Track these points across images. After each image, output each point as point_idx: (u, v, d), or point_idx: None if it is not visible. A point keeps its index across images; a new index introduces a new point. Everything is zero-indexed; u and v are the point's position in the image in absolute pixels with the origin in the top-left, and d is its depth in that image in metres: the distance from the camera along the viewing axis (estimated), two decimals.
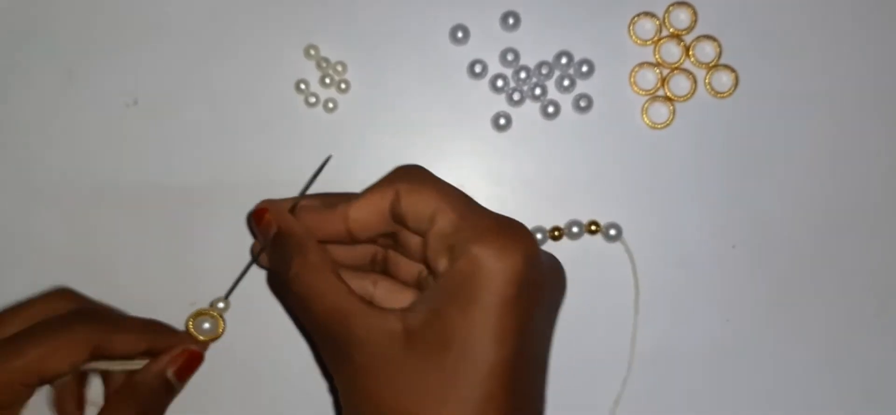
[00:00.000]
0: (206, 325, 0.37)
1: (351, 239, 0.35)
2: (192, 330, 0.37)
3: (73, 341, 0.34)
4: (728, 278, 0.44)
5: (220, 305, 0.38)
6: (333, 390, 0.42)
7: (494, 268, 0.29)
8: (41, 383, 0.34)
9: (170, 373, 0.36)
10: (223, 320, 0.38)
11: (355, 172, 0.43)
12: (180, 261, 0.43)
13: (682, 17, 0.44)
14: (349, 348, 0.31)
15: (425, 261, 0.33)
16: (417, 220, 0.33)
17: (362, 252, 0.38)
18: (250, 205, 0.43)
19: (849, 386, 0.44)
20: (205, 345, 0.38)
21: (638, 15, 0.43)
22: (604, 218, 0.43)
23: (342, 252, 0.37)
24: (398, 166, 0.34)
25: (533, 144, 0.44)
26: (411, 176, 0.33)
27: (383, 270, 0.38)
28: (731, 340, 0.44)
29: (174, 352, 0.37)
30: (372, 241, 0.36)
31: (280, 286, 0.35)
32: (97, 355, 0.35)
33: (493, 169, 0.43)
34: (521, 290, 0.30)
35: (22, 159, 0.44)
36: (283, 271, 0.33)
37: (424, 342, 0.30)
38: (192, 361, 0.37)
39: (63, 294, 0.38)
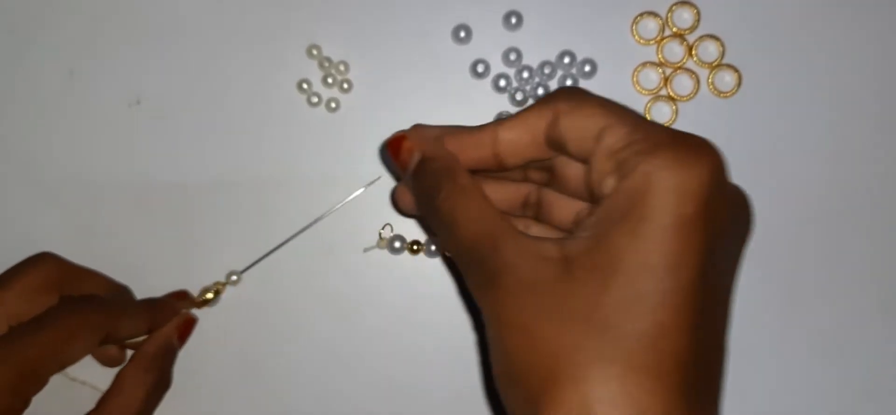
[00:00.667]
0: (209, 295, 0.43)
1: (499, 166, 0.32)
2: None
3: (86, 329, 0.37)
4: None
5: (234, 278, 0.42)
6: (478, 327, 0.43)
7: (671, 183, 0.25)
8: (58, 370, 0.36)
9: (174, 340, 0.42)
10: (223, 289, 0.43)
11: (357, 172, 0.43)
12: (183, 260, 0.43)
13: (685, 17, 0.44)
14: (497, 273, 0.27)
15: (588, 191, 0.29)
16: (581, 140, 0.29)
17: (514, 193, 0.35)
18: (253, 203, 0.43)
19: (851, 386, 0.44)
20: (200, 304, 0.42)
21: (641, 14, 0.43)
22: None
23: (492, 190, 0.34)
24: (557, 89, 0.31)
25: None
26: (573, 95, 0.30)
27: (536, 215, 0.34)
28: (734, 340, 0.43)
29: (176, 322, 0.42)
30: (524, 175, 0.34)
31: (428, 213, 0.31)
32: (107, 341, 0.38)
33: None
34: (702, 210, 0.25)
35: (25, 158, 0.44)
36: (430, 198, 0.31)
37: (584, 269, 0.26)
38: (188, 325, 0.42)
39: (46, 260, 0.39)
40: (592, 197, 0.29)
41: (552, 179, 0.33)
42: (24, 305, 0.37)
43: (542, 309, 0.26)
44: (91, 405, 0.38)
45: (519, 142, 0.31)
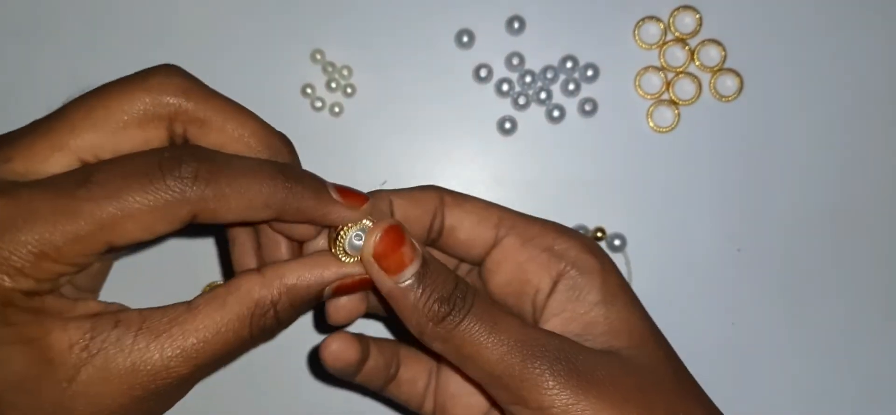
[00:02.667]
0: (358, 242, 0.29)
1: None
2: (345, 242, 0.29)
3: (174, 206, 0.26)
4: (733, 281, 0.44)
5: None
6: None
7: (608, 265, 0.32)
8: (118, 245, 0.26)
9: (328, 291, 0.29)
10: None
11: (360, 176, 0.43)
12: (185, 266, 0.43)
13: (686, 22, 0.44)
14: (526, 401, 0.28)
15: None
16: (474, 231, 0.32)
17: None
18: None
19: (855, 388, 0.44)
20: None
21: (643, 19, 0.44)
22: (609, 220, 0.43)
23: None
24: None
25: (538, 148, 0.44)
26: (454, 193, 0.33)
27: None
28: (737, 342, 0.44)
29: (346, 274, 0.29)
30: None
31: (435, 333, 0.29)
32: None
33: (498, 172, 0.44)
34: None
35: None
36: (444, 316, 0.28)
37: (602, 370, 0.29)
38: (357, 285, 0.30)
39: (169, 74, 0.30)
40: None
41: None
42: (109, 136, 0.28)
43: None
44: None
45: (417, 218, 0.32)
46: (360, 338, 0.32)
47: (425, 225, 0.32)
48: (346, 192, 0.29)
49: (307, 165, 0.43)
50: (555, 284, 0.31)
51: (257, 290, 0.28)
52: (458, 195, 0.33)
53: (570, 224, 0.43)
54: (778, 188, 0.44)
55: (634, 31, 0.44)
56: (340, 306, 0.31)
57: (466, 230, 0.32)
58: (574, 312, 0.31)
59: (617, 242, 0.43)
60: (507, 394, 0.28)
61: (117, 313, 0.27)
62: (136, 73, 0.29)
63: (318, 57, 0.43)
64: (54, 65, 0.44)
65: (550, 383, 0.28)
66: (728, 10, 0.44)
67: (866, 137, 0.44)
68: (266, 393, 0.44)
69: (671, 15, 0.44)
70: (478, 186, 0.43)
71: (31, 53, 0.44)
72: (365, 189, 0.43)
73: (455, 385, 0.34)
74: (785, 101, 0.44)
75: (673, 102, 0.44)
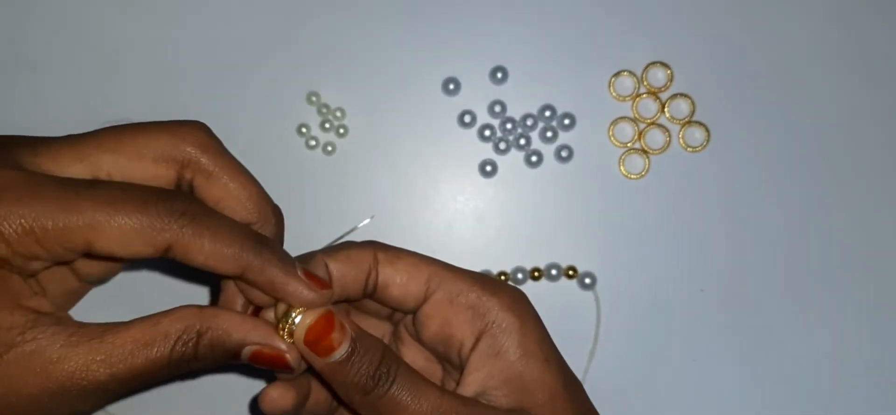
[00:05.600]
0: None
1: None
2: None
3: (152, 227, 0.29)
4: (695, 320, 0.46)
5: None
6: None
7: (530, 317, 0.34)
8: (83, 249, 0.29)
9: (247, 351, 0.31)
10: None
11: (351, 212, 0.46)
12: (184, 288, 0.46)
13: (659, 76, 0.47)
14: None
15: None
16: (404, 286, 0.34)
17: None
18: None
19: None
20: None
21: (618, 72, 0.47)
22: (581, 259, 0.46)
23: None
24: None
25: (517, 190, 0.47)
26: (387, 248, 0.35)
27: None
28: (698, 377, 0.47)
29: (268, 345, 0.31)
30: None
31: (366, 405, 0.31)
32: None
33: (479, 212, 0.47)
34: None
35: None
36: (369, 390, 0.31)
37: None
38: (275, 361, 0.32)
39: (194, 129, 0.32)
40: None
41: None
42: (126, 162, 0.31)
43: None
44: None
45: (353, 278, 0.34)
46: (300, 378, 0.34)
47: (360, 283, 0.34)
48: (310, 275, 0.31)
49: (301, 200, 0.46)
50: (477, 340, 0.33)
51: (190, 318, 0.30)
52: (392, 252, 0.34)
53: (544, 262, 0.46)
54: (739, 234, 0.46)
55: (609, 83, 0.47)
56: (270, 400, 0.33)
57: (398, 286, 0.34)
58: (493, 367, 0.33)
59: (587, 280, 0.46)
60: None
61: (61, 316, 0.30)
62: (171, 121, 0.33)
63: (314, 99, 0.46)
64: (67, 97, 0.47)
65: None
66: (698, 67, 0.46)
67: (825, 190, 0.46)
68: None
69: (644, 69, 0.47)
70: (459, 223, 0.46)
71: (44, 86, 0.47)
72: (355, 223, 0.46)
73: None
74: (749, 154, 0.46)
75: (644, 151, 0.47)
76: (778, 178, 0.46)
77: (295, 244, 0.45)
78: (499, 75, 0.46)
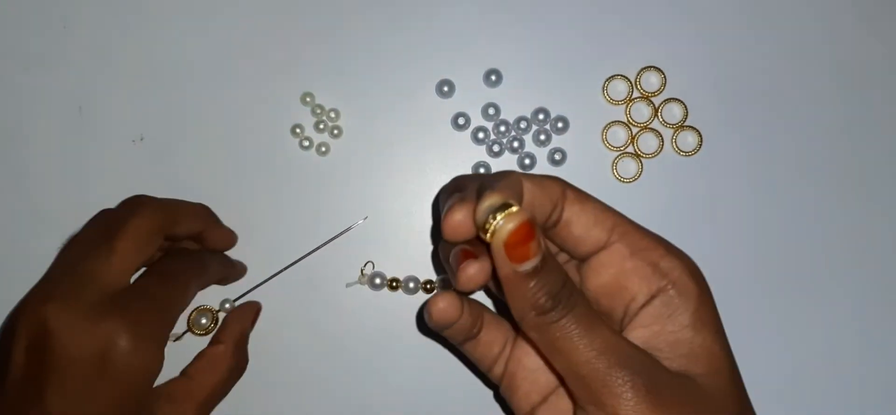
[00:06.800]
0: (203, 320, 0.45)
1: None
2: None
3: (146, 225, 0.38)
4: None
5: (227, 306, 0.45)
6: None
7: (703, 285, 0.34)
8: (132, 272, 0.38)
9: (250, 325, 0.44)
10: (217, 316, 0.45)
11: (344, 212, 0.46)
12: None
13: (652, 81, 0.47)
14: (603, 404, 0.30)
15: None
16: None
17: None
18: (246, 237, 0.46)
19: None
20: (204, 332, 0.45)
21: (611, 77, 0.47)
22: None
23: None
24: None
25: None
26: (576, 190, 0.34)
27: None
28: None
29: (253, 309, 0.45)
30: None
31: (539, 323, 0.31)
32: (168, 237, 0.40)
33: None
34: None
35: (34, 189, 0.47)
36: (550, 309, 0.30)
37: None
38: (257, 313, 0.45)
39: (146, 204, 0.40)
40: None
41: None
42: (139, 254, 0.38)
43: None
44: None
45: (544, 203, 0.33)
46: (459, 297, 0.34)
47: (546, 213, 0.33)
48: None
49: (294, 199, 0.46)
50: (652, 297, 0.32)
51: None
52: (580, 193, 0.34)
53: None
54: (731, 239, 0.47)
55: (603, 87, 0.47)
56: (439, 310, 0.34)
57: (581, 227, 0.33)
58: (663, 328, 0.32)
59: None
60: (587, 393, 0.30)
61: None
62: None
63: (308, 100, 0.46)
64: (60, 97, 0.47)
65: (629, 394, 0.29)
66: (691, 72, 0.47)
67: (816, 194, 0.47)
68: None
69: (638, 74, 0.47)
70: None
71: (37, 86, 0.47)
72: (348, 223, 0.46)
73: (528, 359, 0.36)
74: (740, 159, 0.47)
75: (637, 155, 0.47)
76: (769, 182, 0.47)
77: (289, 244, 0.46)
78: (493, 78, 0.46)
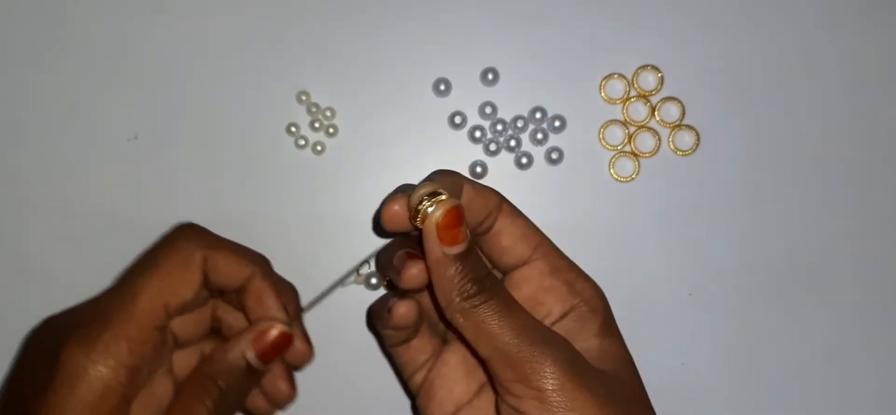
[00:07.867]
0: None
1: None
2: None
3: (184, 261, 0.34)
4: (685, 323, 0.47)
5: None
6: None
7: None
8: (169, 316, 0.34)
9: (251, 355, 0.35)
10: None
11: (340, 211, 0.46)
12: None
13: (649, 80, 0.47)
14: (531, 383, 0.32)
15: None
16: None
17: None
18: (242, 239, 0.45)
19: None
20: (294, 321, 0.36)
21: (608, 76, 0.47)
22: None
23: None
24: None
25: (507, 192, 0.45)
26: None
27: None
28: (686, 381, 0.47)
29: (255, 331, 0.35)
30: None
31: (461, 307, 0.33)
32: (207, 279, 0.35)
33: None
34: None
35: (26, 188, 0.46)
36: (475, 293, 0.33)
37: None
38: (279, 344, 0.35)
39: (191, 235, 0.36)
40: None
41: None
42: (181, 289, 0.34)
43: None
44: None
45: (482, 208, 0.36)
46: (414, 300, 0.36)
47: (480, 217, 0.36)
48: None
49: (290, 199, 0.46)
50: (565, 314, 0.36)
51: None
52: (514, 208, 0.37)
53: None
54: (728, 238, 0.47)
55: (600, 86, 0.47)
56: (400, 315, 0.36)
57: (509, 239, 0.36)
58: (574, 339, 0.35)
59: None
60: (512, 372, 0.32)
61: None
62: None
63: (304, 98, 0.46)
64: (52, 95, 0.46)
65: (551, 369, 0.32)
66: (688, 71, 0.47)
67: (814, 193, 0.47)
68: None
69: (635, 73, 0.47)
70: None
71: (29, 84, 0.46)
72: (343, 224, 0.45)
73: (448, 370, 0.38)
74: (738, 158, 0.47)
75: (634, 154, 0.47)
76: (767, 182, 0.47)
77: (284, 243, 0.46)
78: (490, 77, 0.46)
